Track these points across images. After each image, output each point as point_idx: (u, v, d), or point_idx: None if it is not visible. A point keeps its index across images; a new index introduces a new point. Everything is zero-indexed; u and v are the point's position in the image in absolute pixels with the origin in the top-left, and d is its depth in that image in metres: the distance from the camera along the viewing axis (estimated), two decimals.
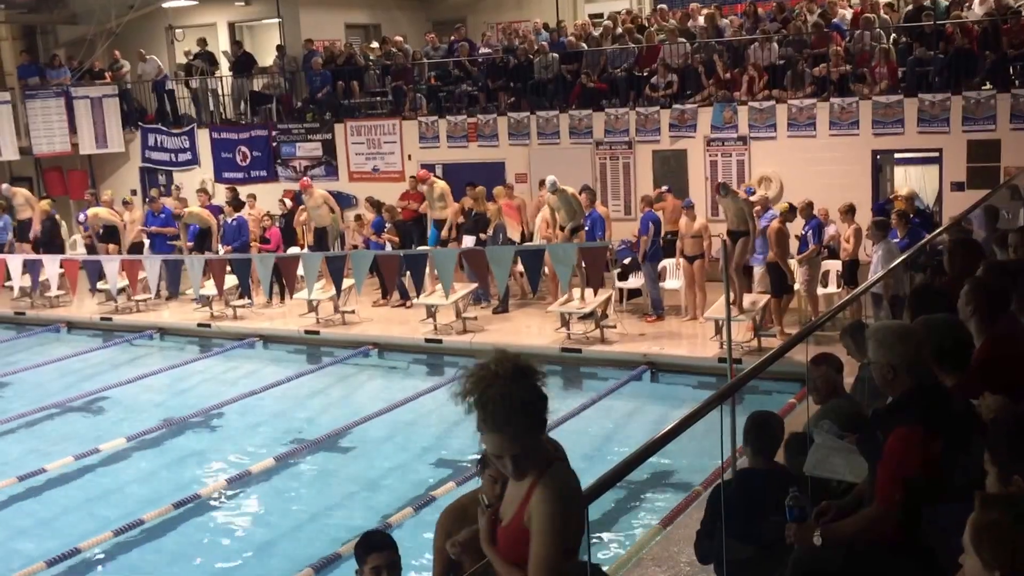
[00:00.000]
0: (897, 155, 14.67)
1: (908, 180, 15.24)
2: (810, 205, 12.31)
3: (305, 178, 16.45)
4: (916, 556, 3.45)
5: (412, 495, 8.61)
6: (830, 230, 12.90)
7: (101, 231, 16.93)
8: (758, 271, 12.44)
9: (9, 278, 15.43)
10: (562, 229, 13.76)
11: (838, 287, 12.56)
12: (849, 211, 12.36)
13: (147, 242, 16.95)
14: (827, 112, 14.23)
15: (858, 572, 3.63)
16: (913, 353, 3.49)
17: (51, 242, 17.12)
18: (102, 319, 15.57)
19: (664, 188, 14.38)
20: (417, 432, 10.47)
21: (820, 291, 12.41)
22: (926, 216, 13.12)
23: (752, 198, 12.98)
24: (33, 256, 16.41)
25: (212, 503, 8.75)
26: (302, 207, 16.32)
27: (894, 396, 3.58)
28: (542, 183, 14.61)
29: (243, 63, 19.72)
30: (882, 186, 14.49)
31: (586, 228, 13.48)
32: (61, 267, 15.14)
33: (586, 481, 2.91)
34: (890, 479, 3.46)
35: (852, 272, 12.14)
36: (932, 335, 3.73)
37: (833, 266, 12.73)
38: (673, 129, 15.32)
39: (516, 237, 14.61)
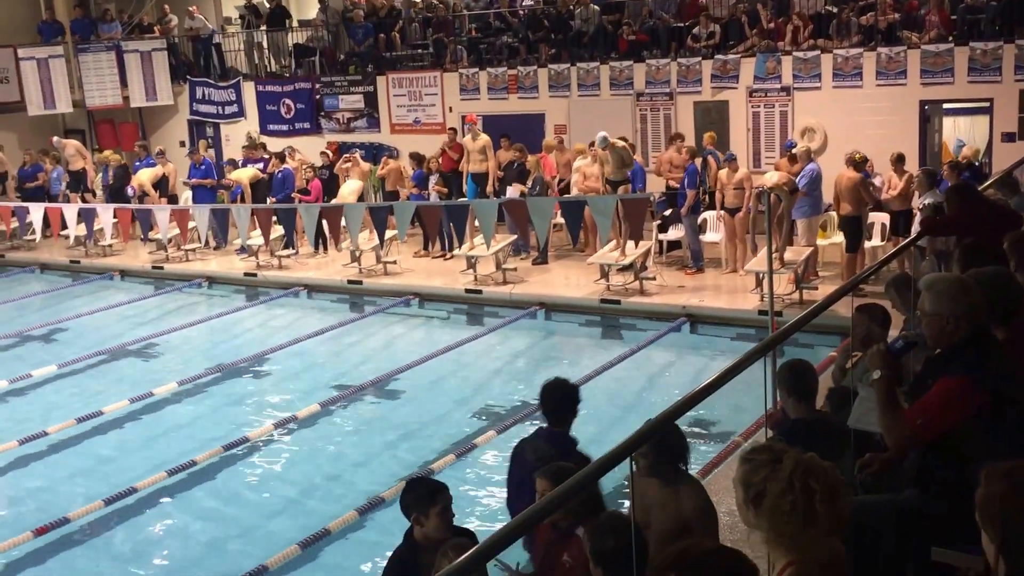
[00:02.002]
0: (946, 105, 14.41)
1: (957, 131, 14.97)
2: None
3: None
4: (962, 513, 3.45)
5: (453, 442, 8.77)
6: (875, 182, 12.77)
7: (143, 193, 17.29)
8: (801, 224, 12.37)
9: (64, 227, 15.84)
10: (608, 183, 13.76)
11: (882, 240, 12.45)
12: (899, 160, 12.21)
13: (185, 194, 17.30)
14: (874, 62, 14.00)
15: (905, 526, 3.65)
16: (971, 306, 3.48)
17: (120, 190, 17.51)
18: (154, 267, 16.00)
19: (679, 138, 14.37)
20: (457, 380, 10.68)
21: (866, 244, 12.30)
22: (975, 168, 12.90)
23: (796, 150, 12.87)
24: (88, 205, 16.85)
25: (260, 446, 8.99)
26: (345, 156, 16.54)
27: (944, 347, 3.58)
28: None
29: (277, 15, 19.88)
30: (930, 137, 14.26)
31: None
32: (115, 216, 15.52)
33: (626, 432, 3.01)
34: (921, 408, 3.49)
35: (907, 223, 11.95)
36: (982, 288, 3.71)
37: (878, 218, 12.61)
38: (715, 80, 15.19)
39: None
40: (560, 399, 4.91)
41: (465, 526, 4.54)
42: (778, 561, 2.57)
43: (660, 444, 4.36)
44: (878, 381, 3.56)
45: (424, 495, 4.11)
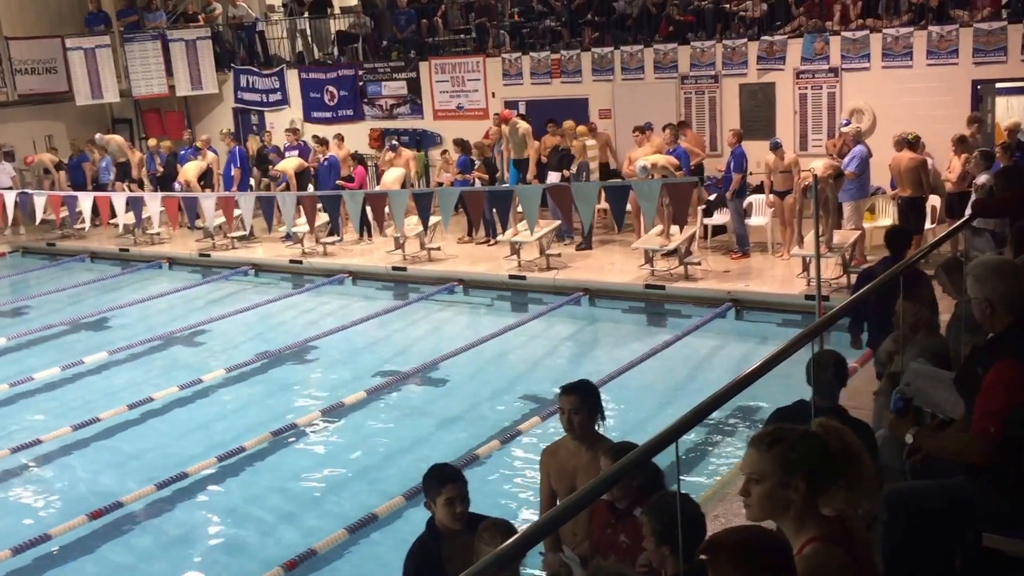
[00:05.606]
0: (999, 85, 14.06)
1: (1010, 111, 14.61)
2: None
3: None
4: (1015, 495, 3.44)
5: (498, 428, 8.77)
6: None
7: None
8: (848, 207, 12.19)
9: (114, 215, 16.09)
10: None
11: (932, 222, 12.21)
12: (960, 141, 11.95)
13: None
14: (924, 41, 13.71)
15: (954, 512, 3.60)
16: (1011, 288, 3.45)
17: (171, 178, 17.72)
18: (201, 255, 16.20)
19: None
20: (502, 367, 10.69)
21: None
22: None
23: (845, 129, 12.72)
24: (137, 194, 17.11)
25: (308, 432, 9.06)
26: (386, 149, 16.57)
27: (994, 332, 3.55)
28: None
29: (320, 3, 19.98)
30: (982, 117, 13.91)
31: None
32: (162, 205, 15.74)
33: (673, 417, 2.99)
34: (986, 412, 3.43)
35: (963, 204, 11.70)
36: None
37: (929, 200, 12.35)
38: (761, 62, 14.97)
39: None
40: (895, 237, 6.85)
41: (491, 515, 4.38)
42: (797, 541, 2.59)
43: (592, 405, 4.40)
44: (917, 436, 3.66)
45: (433, 482, 4.06)
